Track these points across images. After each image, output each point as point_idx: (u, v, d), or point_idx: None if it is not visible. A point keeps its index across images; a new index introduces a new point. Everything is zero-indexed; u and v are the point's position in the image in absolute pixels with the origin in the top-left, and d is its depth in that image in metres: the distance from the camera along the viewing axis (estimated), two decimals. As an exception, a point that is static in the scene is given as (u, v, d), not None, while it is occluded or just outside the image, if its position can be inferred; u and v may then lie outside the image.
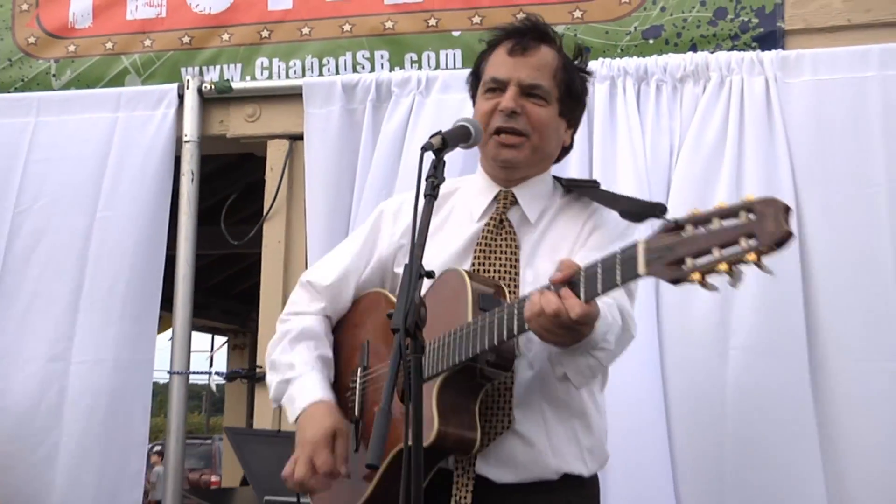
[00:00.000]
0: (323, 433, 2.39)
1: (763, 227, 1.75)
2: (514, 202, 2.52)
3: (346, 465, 2.39)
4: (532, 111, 2.46)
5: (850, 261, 3.61)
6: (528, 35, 2.52)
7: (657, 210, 2.35)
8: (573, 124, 2.62)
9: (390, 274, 2.62)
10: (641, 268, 1.93)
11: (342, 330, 2.67)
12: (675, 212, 3.55)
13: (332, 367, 2.63)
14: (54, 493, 4.15)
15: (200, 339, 14.58)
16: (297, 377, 2.53)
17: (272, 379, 2.62)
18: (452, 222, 2.56)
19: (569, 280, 2.06)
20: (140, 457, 4.26)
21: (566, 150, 2.66)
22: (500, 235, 2.48)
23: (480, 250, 2.46)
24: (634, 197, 2.54)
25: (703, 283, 1.83)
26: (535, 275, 2.42)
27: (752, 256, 1.75)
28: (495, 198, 2.54)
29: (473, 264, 2.45)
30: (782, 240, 1.74)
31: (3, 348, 4.29)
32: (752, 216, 1.78)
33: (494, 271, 2.44)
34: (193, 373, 4.54)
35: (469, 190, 2.60)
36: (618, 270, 1.98)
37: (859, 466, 3.55)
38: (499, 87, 2.49)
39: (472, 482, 2.33)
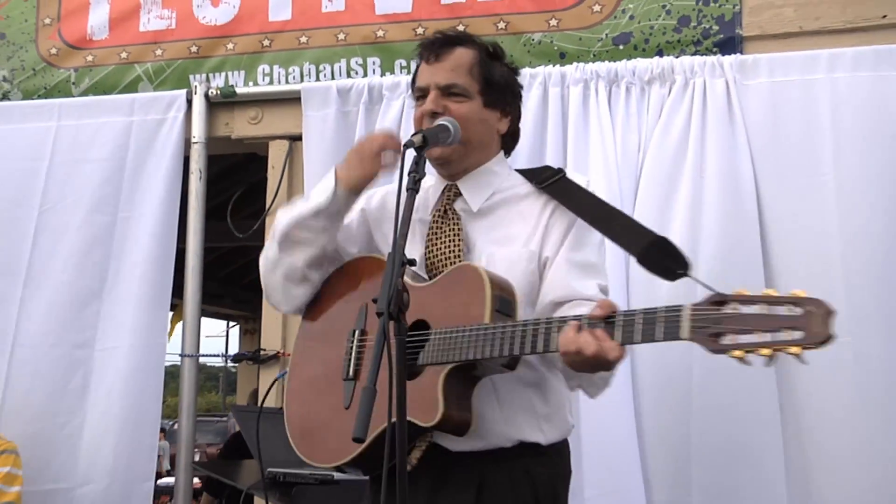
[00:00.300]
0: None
1: (810, 326, 1.80)
2: (459, 194, 2.54)
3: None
4: (454, 109, 2.47)
5: (804, 243, 3.65)
6: (439, 42, 2.55)
7: (681, 266, 2.31)
8: (507, 112, 2.60)
9: (353, 237, 2.66)
10: (685, 333, 1.96)
11: (335, 289, 2.65)
12: (643, 206, 3.69)
13: None
14: (79, 464, 4.20)
15: (217, 325, 14.64)
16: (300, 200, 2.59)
17: (290, 210, 2.61)
18: (416, 214, 2.53)
19: (606, 318, 2.07)
20: (153, 433, 4.30)
21: (511, 137, 2.65)
22: (446, 224, 2.50)
23: (429, 239, 2.50)
24: (634, 221, 2.52)
25: (742, 359, 1.87)
26: (486, 260, 2.42)
27: (796, 349, 1.80)
28: (443, 191, 2.56)
29: (424, 252, 2.48)
30: (826, 341, 1.80)
31: (32, 335, 4.32)
32: (798, 311, 1.82)
33: (442, 255, 2.45)
34: (203, 355, 4.58)
35: (430, 188, 2.60)
36: (660, 327, 2.00)
37: (818, 429, 3.58)
38: (422, 94, 2.52)
39: (425, 445, 2.34)
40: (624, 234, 2.45)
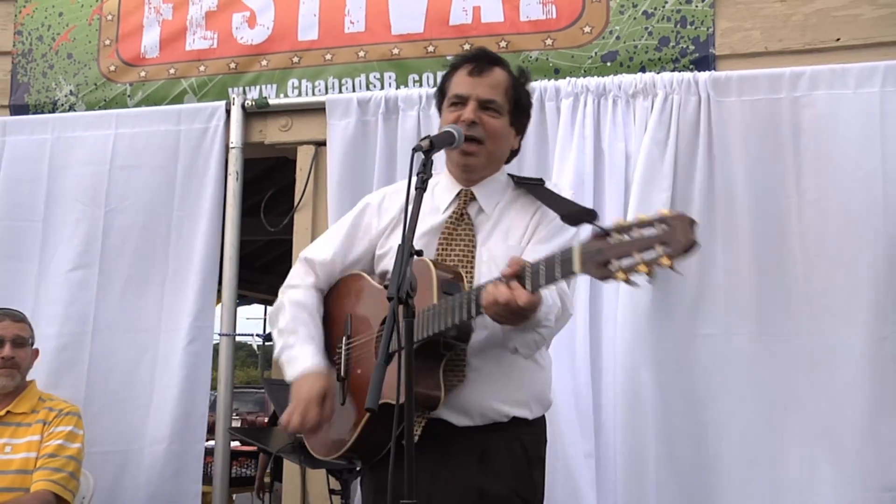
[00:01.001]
0: (315, 394, 2.38)
1: (674, 237, 1.77)
2: (473, 198, 2.49)
3: (330, 418, 2.40)
4: (488, 122, 2.43)
5: (769, 244, 3.58)
6: (483, 59, 2.49)
7: (590, 216, 2.33)
8: (521, 131, 2.58)
9: (373, 254, 2.58)
10: (577, 266, 1.95)
11: (331, 303, 2.63)
12: (631, 212, 3.60)
13: (321, 336, 2.58)
14: (147, 429, 4.21)
15: (257, 310, 14.68)
16: (295, 345, 2.51)
17: (277, 341, 2.58)
18: (422, 213, 2.47)
19: (517, 274, 2.07)
20: (204, 402, 4.27)
21: (515, 152, 2.62)
22: (460, 226, 2.45)
23: (443, 238, 2.44)
24: (572, 200, 2.48)
25: (627, 280, 1.85)
26: (488, 254, 2.41)
27: (665, 261, 1.77)
28: (457, 195, 2.50)
29: (438, 249, 2.43)
30: (689, 247, 1.76)
31: (106, 322, 4.33)
32: (665, 227, 1.79)
33: (455, 255, 2.41)
34: (239, 334, 4.55)
35: (437, 186, 2.53)
36: (558, 268, 2.00)
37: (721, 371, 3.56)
38: (461, 101, 2.44)
39: (424, 421, 2.30)
40: (558, 204, 2.43)
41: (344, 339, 2.51)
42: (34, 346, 3.72)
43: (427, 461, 2.24)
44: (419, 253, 2.09)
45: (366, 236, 2.59)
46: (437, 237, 2.45)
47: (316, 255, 2.64)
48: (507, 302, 2.04)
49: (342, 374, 2.48)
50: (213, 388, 4.37)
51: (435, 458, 2.27)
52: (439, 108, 2.55)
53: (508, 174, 2.58)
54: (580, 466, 3.58)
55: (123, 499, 4.15)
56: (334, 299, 2.62)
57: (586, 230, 2.05)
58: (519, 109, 2.50)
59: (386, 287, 2.08)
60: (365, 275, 2.52)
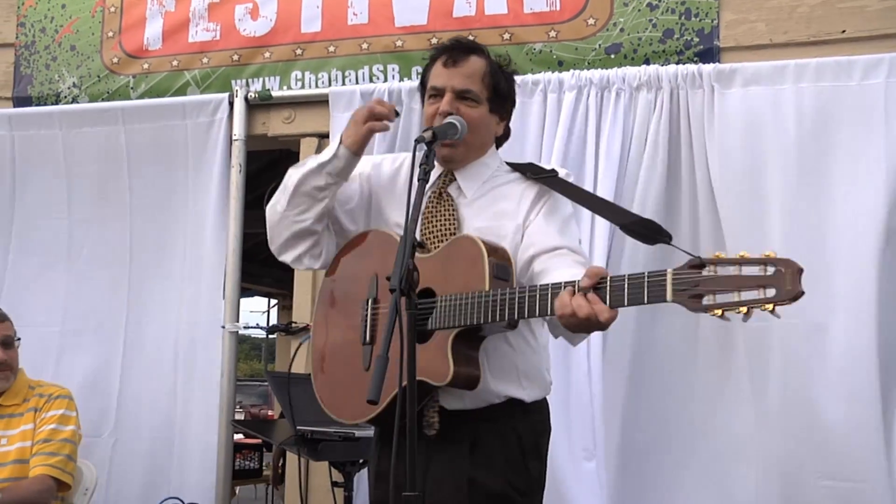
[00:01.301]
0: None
1: (782, 283, 1.73)
2: (454, 179, 2.46)
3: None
4: (465, 112, 2.39)
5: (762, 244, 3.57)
6: (458, 49, 2.45)
7: (665, 236, 2.24)
8: (505, 117, 2.53)
9: (368, 199, 2.54)
10: (669, 295, 1.87)
11: (349, 260, 2.55)
12: (634, 205, 3.60)
13: None
14: (177, 419, 4.26)
15: (260, 302, 14.66)
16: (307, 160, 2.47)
17: (300, 167, 2.46)
18: (404, 194, 2.38)
19: (595, 285, 1.98)
20: (215, 393, 4.26)
21: (503, 138, 2.57)
22: (441, 205, 2.41)
23: (425, 217, 2.40)
24: (623, 208, 2.46)
25: (722, 317, 1.80)
26: (475, 231, 2.33)
27: (769, 306, 1.74)
28: (439, 176, 2.47)
29: (421, 229, 2.39)
30: (797, 297, 1.73)
31: (140, 314, 4.40)
32: (770, 270, 1.75)
33: (438, 233, 2.38)
34: (246, 327, 4.58)
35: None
36: (645, 290, 1.91)
37: None
38: (438, 93, 2.42)
39: (438, 405, 2.27)
40: (611, 212, 2.40)
41: (370, 301, 2.42)
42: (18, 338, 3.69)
43: (422, 447, 2.21)
44: (422, 244, 2.10)
45: (358, 177, 2.54)
46: (419, 216, 2.37)
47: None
48: (588, 317, 1.95)
49: (367, 338, 2.39)
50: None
51: (429, 444, 2.24)
52: (422, 102, 2.52)
53: (509, 163, 2.54)
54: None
55: (148, 486, 4.22)
56: (356, 253, 2.53)
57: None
58: (499, 95, 2.46)
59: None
60: (392, 233, 2.44)
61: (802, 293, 1.72)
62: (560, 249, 2.28)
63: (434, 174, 2.45)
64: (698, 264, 1.84)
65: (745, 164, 3.63)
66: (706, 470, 3.57)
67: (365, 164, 2.55)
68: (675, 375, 3.65)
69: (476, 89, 2.41)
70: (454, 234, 2.35)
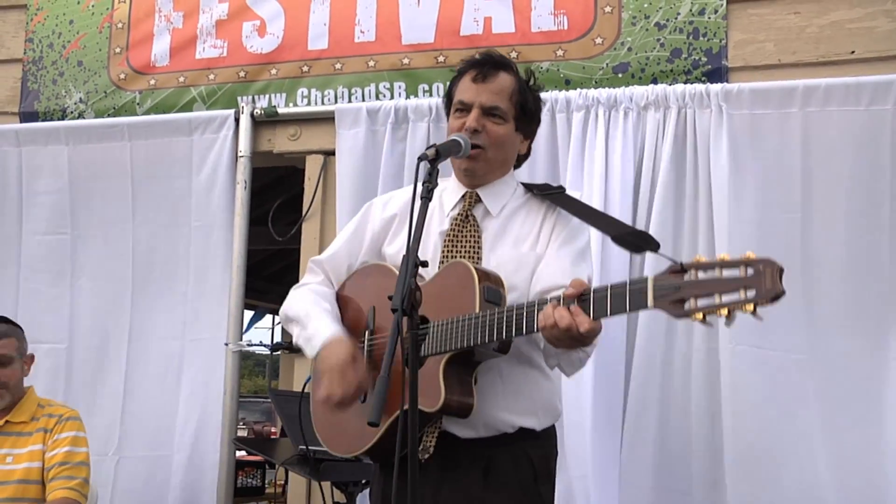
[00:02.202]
0: (344, 358, 2.28)
1: (761, 283, 1.70)
2: (479, 200, 2.43)
3: (365, 380, 2.29)
4: (492, 129, 2.37)
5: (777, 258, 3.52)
6: (488, 65, 2.42)
7: (652, 244, 2.22)
8: (529, 136, 2.51)
9: (379, 250, 2.52)
10: (650, 301, 1.85)
11: (352, 292, 2.55)
12: (651, 226, 3.58)
13: (336, 311, 2.52)
14: (175, 436, 4.23)
15: (265, 319, 14.62)
16: (310, 321, 2.44)
17: (291, 328, 2.53)
18: (430, 219, 2.43)
19: (579, 296, 1.97)
20: (218, 411, 4.25)
21: (524, 157, 2.55)
22: (465, 228, 2.39)
23: (448, 240, 2.39)
24: (618, 219, 2.42)
25: (703, 321, 1.78)
26: (497, 261, 2.34)
27: (749, 307, 1.70)
28: (462, 196, 2.45)
29: (443, 250, 2.38)
30: (776, 296, 1.69)
31: (139, 331, 4.39)
32: (750, 271, 1.72)
33: (461, 256, 2.35)
34: (250, 345, 4.58)
35: (444, 192, 2.50)
36: (627, 298, 1.90)
37: None
38: (465, 108, 2.40)
39: (437, 431, 2.25)
40: (605, 224, 2.37)
41: (367, 333, 2.43)
42: (28, 353, 3.66)
43: (432, 474, 2.23)
44: (424, 264, 2.05)
45: (370, 232, 2.55)
46: (442, 240, 2.40)
47: (321, 255, 2.66)
48: (568, 328, 1.95)
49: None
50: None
51: (439, 471, 2.24)
52: (447, 115, 2.51)
53: (522, 183, 2.53)
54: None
55: None
56: (355, 288, 2.54)
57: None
58: (526, 114, 2.44)
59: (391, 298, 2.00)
60: (390, 265, 2.43)
61: (783, 293, 1.69)
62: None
63: (456, 195, 2.46)
64: (679, 270, 1.82)
65: (753, 184, 3.60)
66: None
67: (374, 217, 2.56)
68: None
69: (504, 106, 2.39)
70: (479, 259, 2.34)
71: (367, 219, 2.59)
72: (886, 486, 3.32)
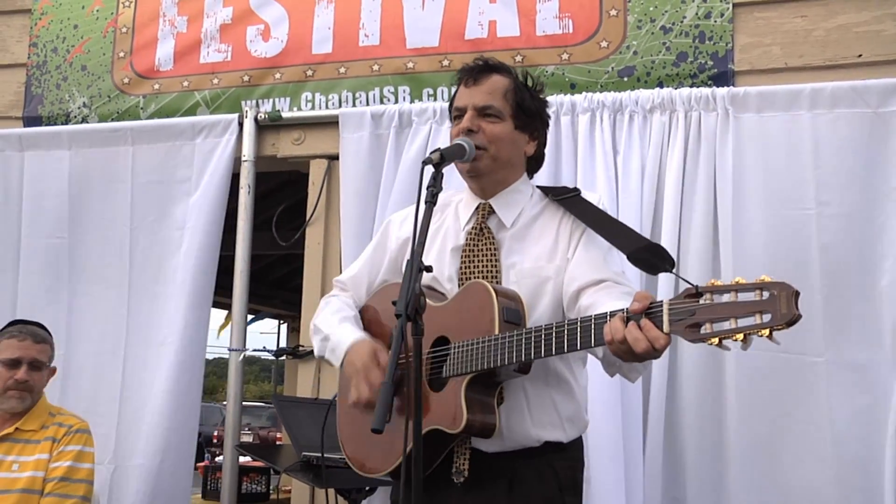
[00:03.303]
0: (368, 357, 2.28)
1: (777, 308, 1.68)
2: (492, 212, 2.41)
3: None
4: (487, 128, 2.35)
5: (784, 271, 3.48)
6: (478, 69, 2.42)
7: (668, 263, 2.21)
8: (535, 136, 2.47)
9: (399, 271, 2.50)
10: (666, 327, 1.83)
11: (370, 313, 2.55)
12: (661, 233, 3.55)
13: (359, 319, 2.53)
14: (138, 444, 4.16)
15: (270, 324, 14.63)
16: (333, 333, 2.44)
17: (315, 340, 2.54)
18: (445, 230, 2.46)
19: (646, 311, 1.89)
20: (195, 415, 4.24)
21: (536, 161, 2.52)
22: (481, 241, 2.36)
23: (465, 255, 2.36)
24: (636, 232, 2.38)
25: (720, 345, 1.75)
26: (516, 277, 2.31)
27: (765, 332, 1.68)
28: (476, 209, 2.43)
29: (461, 266, 2.36)
30: (793, 321, 1.67)
31: (135, 337, 4.32)
32: (765, 295, 1.70)
33: (478, 270, 2.33)
34: (252, 350, 4.55)
35: (460, 204, 2.49)
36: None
37: None
38: (460, 113, 2.39)
39: (469, 452, 2.24)
40: (620, 238, 2.31)
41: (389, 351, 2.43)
42: (52, 365, 3.66)
43: (457, 488, 2.23)
44: (428, 269, 2.03)
45: (388, 252, 2.55)
46: (459, 254, 2.38)
47: (344, 274, 2.67)
48: (646, 350, 1.85)
49: None
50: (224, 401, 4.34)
51: (464, 485, 2.22)
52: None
53: (539, 187, 2.50)
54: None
55: None
56: (377, 307, 2.54)
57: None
58: (524, 112, 2.41)
59: (394, 304, 1.99)
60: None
61: (799, 317, 1.67)
62: (605, 282, 2.23)
63: (470, 208, 2.44)
64: (694, 293, 1.80)
65: (760, 189, 3.58)
66: None
67: (392, 235, 2.57)
68: None
69: (497, 105, 2.37)
70: (496, 274, 2.32)
71: (386, 238, 2.58)
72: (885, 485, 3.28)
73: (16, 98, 4.89)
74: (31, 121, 4.81)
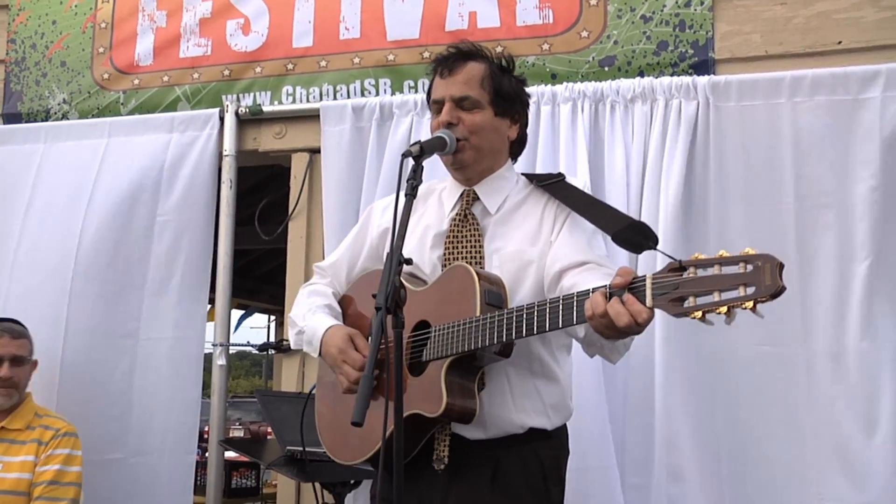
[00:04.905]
0: (343, 342, 2.30)
1: (761, 280, 1.65)
2: (476, 198, 2.39)
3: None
4: (467, 119, 2.34)
5: (766, 249, 3.46)
6: (452, 57, 2.41)
7: (651, 240, 2.18)
8: (516, 120, 2.46)
9: (380, 258, 2.48)
10: (648, 300, 1.80)
11: (350, 300, 2.54)
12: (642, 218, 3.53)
13: (338, 309, 2.52)
14: (130, 439, 4.13)
15: (259, 319, 14.61)
16: (307, 325, 2.44)
17: (291, 335, 2.54)
18: (429, 217, 2.45)
19: (629, 285, 1.86)
20: (195, 413, 4.19)
21: (519, 143, 2.50)
22: (465, 227, 2.35)
23: (449, 241, 2.35)
24: (619, 210, 2.35)
25: (703, 319, 1.73)
26: (500, 261, 2.30)
27: (749, 304, 1.66)
28: (460, 196, 2.41)
29: (444, 253, 2.34)
30: (777, 292, 1.64)
31: (83, 325, 4.19)
32: (749, 267, 1.67)
33: (462, 256, 2.32)
34: (234, 345, 4.51)
35: (444, 191, 2.48)
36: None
37: None
38: (439, 105, 2.38)
39: (449, 438, 2.22)
40: (605, 219, 2.29)
41: (369, 339, 2.38)
42: (33, 359, 3.63)
43: (441, 476, 2.22)
44: (408, 261, 2.02)
45: (369, 240, 2.55)
46: (443, 241, 2.37)
47: (325, 260, 2.67)
48: (628, 325, 1.82)
49: None
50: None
51: (448, 474, 2.21)
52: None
53: (524, 174, 2.49)
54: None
55: None
56: (357, 295, 2.53)
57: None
58: (503, 98, 2.39)
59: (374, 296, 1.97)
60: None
61: (783, 289, 1.64)
62: (588, 264, 2.22)
63: (454, 195, 2.43)
64: (678, 267, 1.78)
65: (741, 177, 3.56)
66: None
67: (373, 223, 2.57)
68: None
69: (475, 94, 2.35)
70: (478, 260, 2.30)
71: (367, 225, 2.58)
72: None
73: (-5, 95, 4.83)
74: (10, 118, 4.76)
